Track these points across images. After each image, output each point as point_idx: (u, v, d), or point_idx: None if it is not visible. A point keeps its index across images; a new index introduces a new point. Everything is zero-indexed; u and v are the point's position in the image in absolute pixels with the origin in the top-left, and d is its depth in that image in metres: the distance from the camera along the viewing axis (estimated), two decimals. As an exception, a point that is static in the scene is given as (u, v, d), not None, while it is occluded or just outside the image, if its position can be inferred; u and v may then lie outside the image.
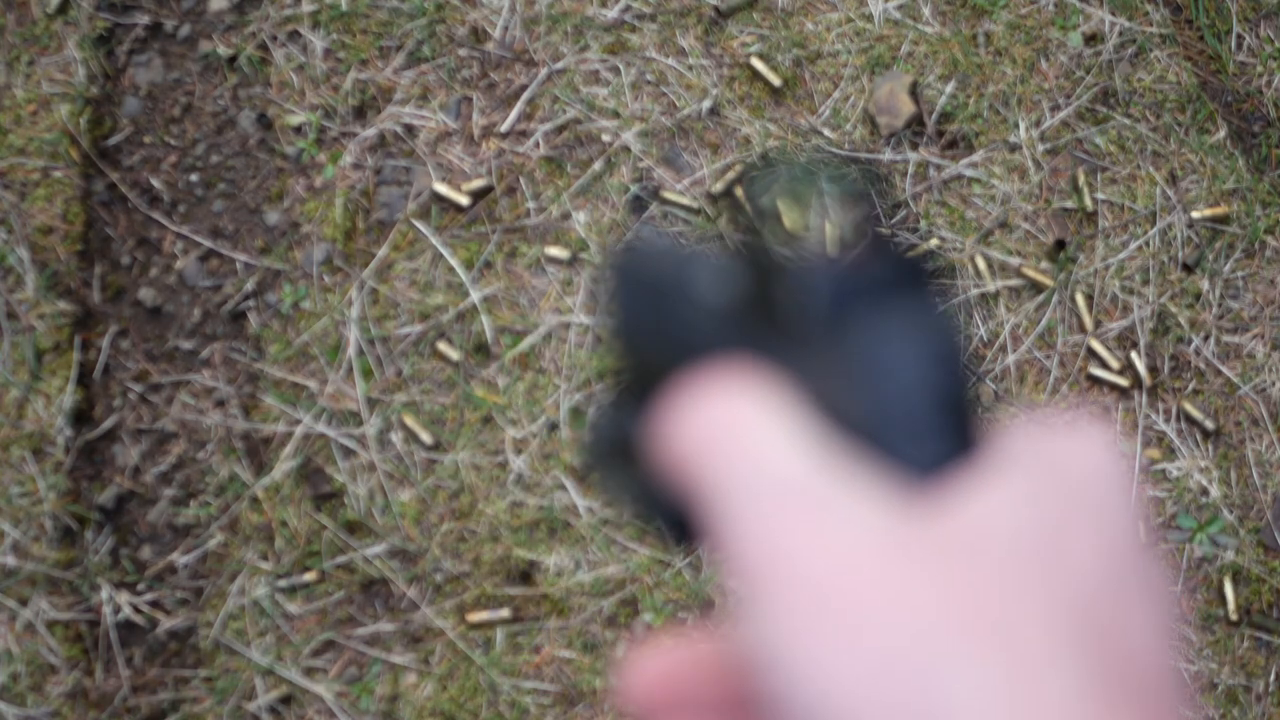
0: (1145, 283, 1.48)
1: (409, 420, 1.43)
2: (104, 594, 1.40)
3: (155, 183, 1.52)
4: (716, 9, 1.53)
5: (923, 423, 0.31)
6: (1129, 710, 0.28)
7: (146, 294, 1.49)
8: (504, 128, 1.51)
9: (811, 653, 0.28)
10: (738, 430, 0.31)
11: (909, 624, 0.28)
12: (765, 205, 0.35)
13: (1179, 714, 0.30)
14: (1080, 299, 1.47)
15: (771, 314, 0.32)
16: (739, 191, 0.34)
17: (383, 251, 1.48)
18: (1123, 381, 1.45)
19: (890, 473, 0.30)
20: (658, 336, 0.34)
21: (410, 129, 1.51)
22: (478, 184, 1.49)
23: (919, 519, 0.29)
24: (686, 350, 0.33)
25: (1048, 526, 0.30)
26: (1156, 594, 0.31)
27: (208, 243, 1.50)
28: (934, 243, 1.48)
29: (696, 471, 0.31)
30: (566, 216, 1.48)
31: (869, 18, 1.54)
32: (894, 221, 0.34)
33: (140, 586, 1.41)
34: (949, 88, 1.52)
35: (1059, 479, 0.31)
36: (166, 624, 1.40)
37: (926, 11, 1.54)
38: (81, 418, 1.45)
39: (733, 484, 0.30)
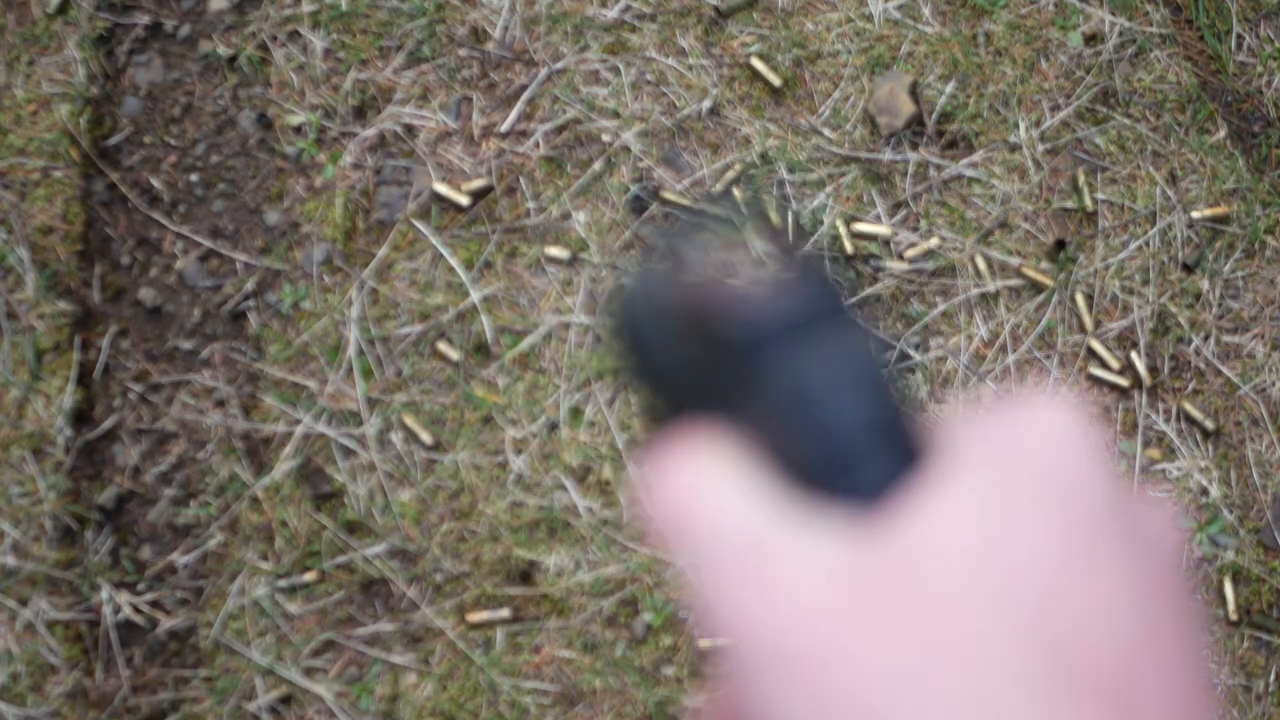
0: (1145, 283, 1.48)
1: (409, 420, 1.43)
2: (104, 594, 1.40)
3: (155, 183, 1.52)
4: (716, 9, 1.53)
5: (855, 450, 0.31)
6: (1102, 714, 0.27)
7: (146, 294, 1.49)
8: (504, 128, 1.51)
9: (784, 708, 0.28)
10: (696, 496, 0.31)
11: (870, 665, 0.27)
12: (710, 237, 0.35)
13: (1162, 699, 0.28)
14: (1080, 299, 1.47)
15: (719, 362, 0.33)
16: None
17: (383, 251, 1.48)
18: (1123, 381, 1.45)
19: (837, 504, 0.30)
20: (653, 372, 0.35)
21: (410, 129, 1.51)
22: (478, 184, 1.49)
23: (870, 547, 0.29)
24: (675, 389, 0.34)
25: (1001, 533, 0.29)
26: (1133, 562, 0.30)
27: (208, 243, 1.50)
28: (934, 242, 1.48)
29: (670, 538, 0.31)
30: (566, 216, 1.48)
31: (869, 18, 1.54)
32: (803, 248, 0.34)
33: (140, 586, 1.41)
34: (949, 88, 1.52)
35: (1011, 473, 0.30)
36: (166, 624, 1.40)
37: (926, 11, 1.54)
38: (81, 418, 1.45)
39: (695, 550, 0.30)
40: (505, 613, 1.39)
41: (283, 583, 1.41)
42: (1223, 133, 1.52)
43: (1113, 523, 0.30)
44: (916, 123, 1.50)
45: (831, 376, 0.31)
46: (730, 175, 1.49)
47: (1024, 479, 0.30)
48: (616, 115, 1.51)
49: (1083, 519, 0.30)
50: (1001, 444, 0.31)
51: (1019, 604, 0.28)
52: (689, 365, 0.34)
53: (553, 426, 1.43)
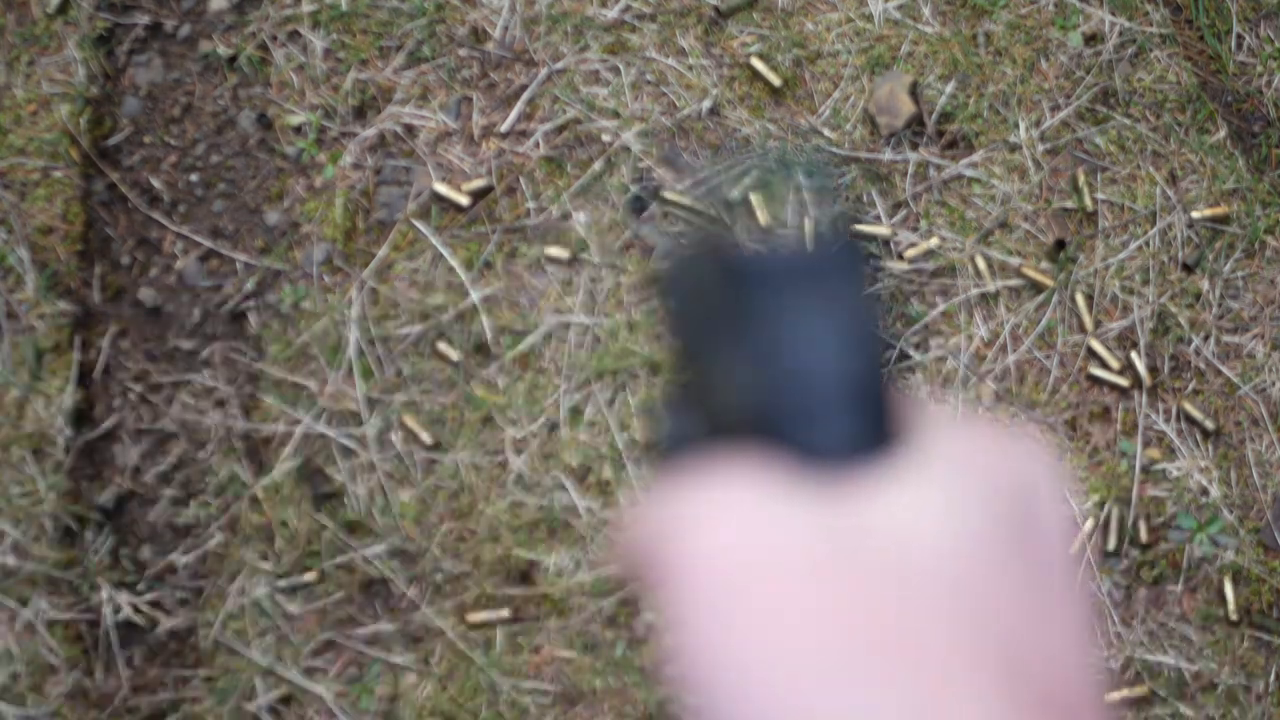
0: (1145, 283, 1.48)
1: (409, 420, 1.43)
2: (104, 594, 1.40)
3: (155, 183, 1.52)
4: (716, 9, 1.53)
5: (823, 400, 0.30)
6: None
7: (146, 294, 1.49)
8: (504, 128, 1.51)
9: (734, 690, 0.28)
10: (688, 531, 0.31)
11: (822, 652, 0.27)
12: (736, 198, 0.35)
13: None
14: (1080, 299, 1.47)
15: (732, 298, 0.33)
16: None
17: (383, 251, 1.48)
18: (1123, 381, 1.45)
19: (798, 458, 0.30)
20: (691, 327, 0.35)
21: (410, 129, 1.51)
22: (478, 184, 1.49)
23: (834, 526, 0.29)
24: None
25: (971, 541, 0.29)
26: (1078, 619, 0.30)
27: (208, 243, 1.50)
28: (934, 242, 1.48)
29: (649, 559, 0.31)
30: (566, 216, 1.48)
31: (869, 18, 1.54)
32: (846, 211, 0.34)
33: (140, 586, 1.41)
34: (949, 88, 1.52)
35: (988, 491, 0.30)
36: (166, 624, 1.40)
37: (926, 11, 1.54)
38: (81, 418, 1.45)
39: (670, 576, 0.30)
40: (505, 613, 1.39)
41: (283, 583, 1.41)
42: (1223, 133, 1.52)
43: (1066, 588, 0.30)
44: (916, 123, 1.50)
45: (820, 323, 0.31)
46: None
47: (1003, 508, 0.30)
48: (616, 115, 1.51)
49: (1049, 571, 0.30)
50: (987, 466, 0.31)
51: (982, 620, 0.28)
52: (710, 307, 0.33)
53: (553, 426, 1.43)
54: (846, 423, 0.30)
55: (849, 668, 0.27)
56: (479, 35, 1.54)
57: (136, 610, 1.40)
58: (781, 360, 0.31)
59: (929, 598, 0.28)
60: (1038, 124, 1.51)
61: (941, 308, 1.46)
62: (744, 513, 0.29)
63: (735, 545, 0.29)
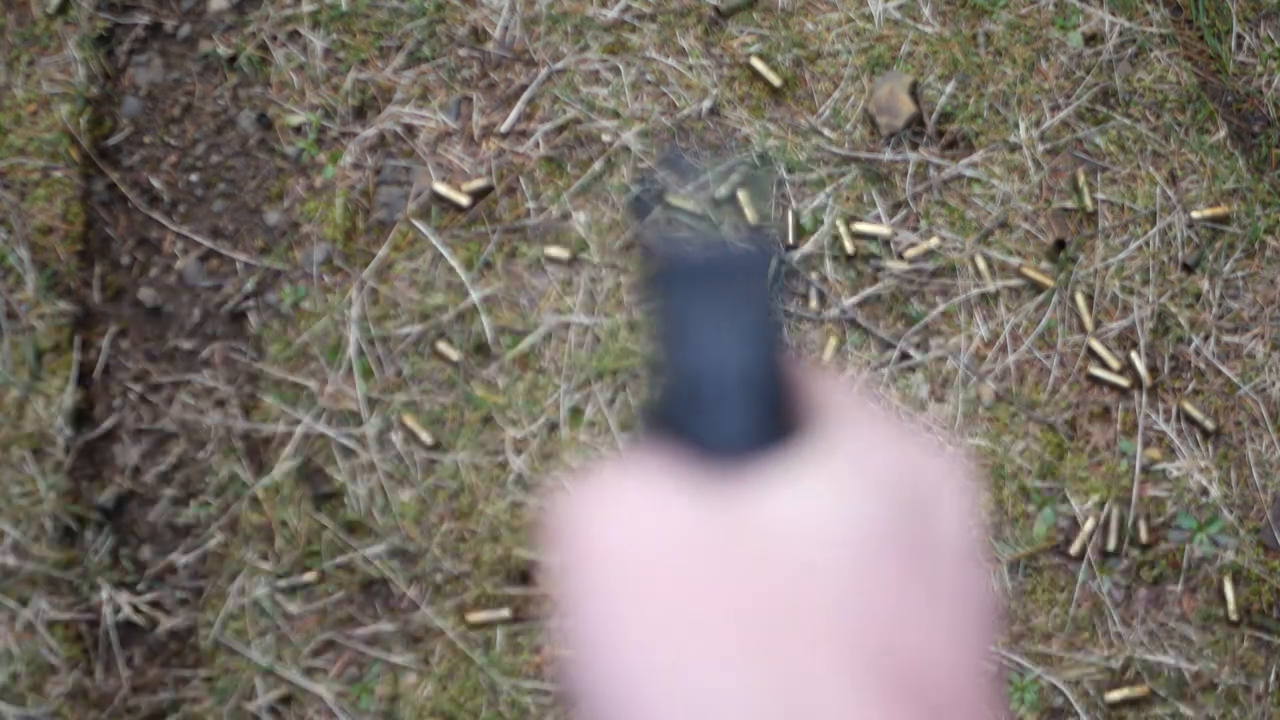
0: (1145, 283, 1.48)
1: (409, 420, 1.43)
2: (104, 594, 1.40)
3: (155, 183, 1.52)
4: (716, 9, 1.53)
5: (719, 395, 0.31)
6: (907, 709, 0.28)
7: (146, 294, 1.49)
8: (504, 128, 1.51)
9: (611, 671, 0.29)
10: (596, 518, 0.32)
11: (694, 635, 0.28)
12: (723, 196, 0.36)
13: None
14: (1080, 299, 1.47)
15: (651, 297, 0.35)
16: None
17: (383, 251, 1.48)
18: (1123, 381, 1.45)
19: (693, 449, 0.31)
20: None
21: (410, 129, 1.51)
22: (478, 184, 1.49)
23: (722, 514, 0.30)
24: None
25: (857, 535, 0.30)
26: (967, 619, 0.30)
27: (208, 243, 1.50)
28: (934, 242, 1.48)
29: (554, 549, 0.32)
30: (566, 216, 1.48)
31: (869, 18, 1.54)
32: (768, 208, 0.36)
33: (140, 586, 1.41)
34: (949, 88, 1.52)
35: (882, 487, 0.31)
36: (166, 624, 1.40)
37: (926, 11, 1.54)
38: (81, 418, 1.45)
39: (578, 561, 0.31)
40: (505, 613, 1.39)
41: (283, 583, 1.41)
42: (1223, 133, 1.52)
43: (959, 585, 0.31)
44: (916, 123, 1.50)
45: (718, 322, 0.32)
46: (732, 176, 1.49)
47: (899, 502, 0.31)
48: (616, 115, 1.51)
49: (940, 568, 0.31)
50: (880, 459, 0.32)
51: (862, 610, 0.29)
52: (649, 307, 0.35)
53: (553, 426, 1.43)
54: (739, 418, 0.31)
55: (719, 650, 0.28)
56: (479, 35, 1.54)
57: (136, 610, 1.40)
58: (683, 357, 0.32)
59: (806, 587, 0.29)
60: (1038, 124, 1.51)
61: (941, 308, 1.46)
62: (635, 507, 0.31)
63: (624, 538, 0.30)
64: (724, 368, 0.32)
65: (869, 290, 1.47)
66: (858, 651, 0.28)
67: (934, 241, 1.47)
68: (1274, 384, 1.47)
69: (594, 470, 0.32)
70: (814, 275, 1.47)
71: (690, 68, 1.52)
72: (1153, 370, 1.46)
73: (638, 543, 0.30)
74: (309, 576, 1.40)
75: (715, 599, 0.29)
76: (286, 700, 1.39)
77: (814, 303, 1.46)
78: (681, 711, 0.28)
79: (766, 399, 0.32)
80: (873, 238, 1.47)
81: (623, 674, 0.29)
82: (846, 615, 0.28)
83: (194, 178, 1.52)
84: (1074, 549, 1.42)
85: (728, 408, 0.31)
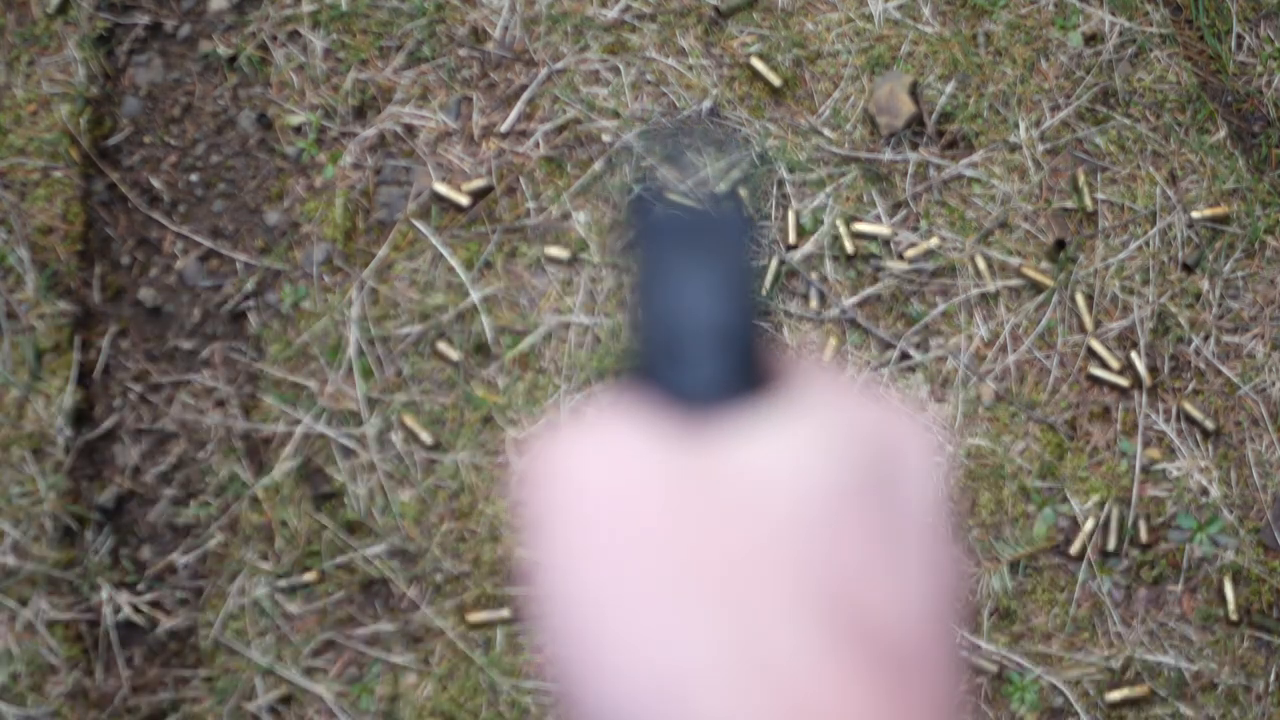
0: (1145, 283, 1.48)
1: (409, 420, 1.43)
2: (104, 594, 1.40)
3: (155, 183, 1.52)
4: (716, 9, 1.53)
5: (691, 346, 0.32)
6: (870, 673, 0.28)
7: (146, 294, 1.49)
8: (504, 128, 1.51)
9: (571, 607, 0.30)
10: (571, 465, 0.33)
11: (651, 576, 0.29)
12: (723, 190, 0.38)
13: (934, 688, 0.30)
14: (1080, 299, 1.47)
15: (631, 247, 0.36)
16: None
17: (383, 251, 1.48)
18: (1123, 381, 1.45)
19: (667, 397, 0.32)
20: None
21: (410, 129, 1.51)
22: (478, 184, 1.49)
23: (690, 458, 0.31)
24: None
25: (823, 485, 0.30)
26: (931, 577, 0.31)
27: (208, 243, 1.50)
28: (934, 242, 1.48)
29: (529, 495, 0.33)
30: (566, 216, 1.48)
31: (869, 18, 1.54)
32: (750, 179, 0.37)
33: (140, 586, 1.41)
34: (949, 88, 1.52)
35: (851, 444, 0.32)
36: (166, 624, 1.40)
37: (926, 11, 1.54)
38: (81, 418, 1.45)
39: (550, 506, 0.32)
40: (505, 613, 1.39)
41: (283, 583, 1.41)
42: (1223, 133, 1.52)
43: (923, 547, 0.32)
44: (916, 123, 1.50)
45: (697, 277, 0.33)
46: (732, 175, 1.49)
47: (867, 462, 0.32)
48: (616, 115, 1.51)
49: (904, 529, 0.31)
50: (850, 418, 0.32)
51: (822, 561, 0.30)
52: (628, 260, 0.36)
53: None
54: (710, 367, 0.32)
55: (674, 590, 0.29)
56: (479, 35, 1.54)
57: (136, 610, 1.40)
58: (659, 306, 0.33)
59: (768, 534, 0.29)
60: (1038, 124, 1.51)
61: (941, 308, 1.46)
62: (607, 448, 0.32)
63: (596, 476, 0.31)
64: (697, 318, 0.33)
65: (869, 290, 1.47)
66: (818, 598, 0.29)
67: (934, 241, 1.47)
68: (1274, 384, 1.47)
69: (570, 418, 0.34)
70: (814, 275, 1.47)
71: (690, 68, 1.52)
72: (1153, 370, 1.46)
73: (608, 482, 0.31)
74: (309, 576, 1.40)
75: (679, 540, 0.29)
76: (286, 700, 1.39)
77: (814, 303, 1.46)
78: (642, 643, 0.28)
79: (738, 351, 0.33)
80: (873, 238, 1.47)
81: (589, 604, 0.30)
82: (808, 564, 0.29)
83: (194, 178, 1.52)
84: (1074, 549, 1.42)
85: (699, 357, 0.32)
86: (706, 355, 0.32)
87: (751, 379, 0.32)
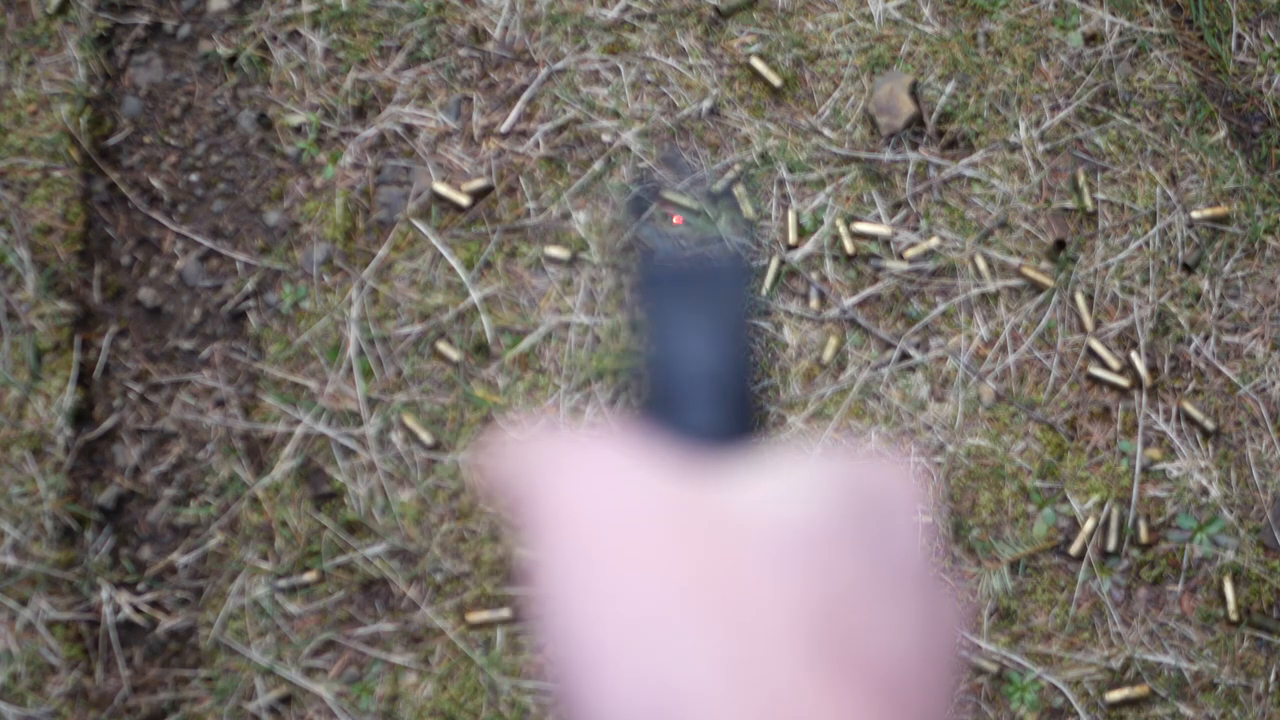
0: (1145, 283, 1.48)
1: (409, 420, 1.43)
2: (104, 594, 1.40)
3: (155, 183, 1.52)
4: (716, 9, 1.53)
5: (690, 392, 0.34)
6: (865, 699, 0.29)
7: (146, 294, 1.49)
8: (504, 128, 1.51)
9: (571, 621, 0.31)
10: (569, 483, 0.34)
11: (652, 600, 0.30)
12: (720, 193, 0.39)
13: (928, 716, 0.31)
14: (1080, 299, 1.47)
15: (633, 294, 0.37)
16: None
17: (383, 251, 1.48)
18: (1123, 381, 1.45)
19: (675, 441, 0.34)
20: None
21: (410, 129, 1.51)
22: (478, 184, 1.49)
23: (690, 491, 0.32)
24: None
25: (822, 526, 0.32)
26: (929, 619, 0.32)
27: (208, 243, 1.50)
28: (934, 242, 1.48)
29: (523, 498, 0.34)
30: (566, 216, 1.48)
31: (869, 18, 1.54)
32: (746, 224, 0.39)
33: (140, 586, 1.41)
34: (949, 88, 1.52)
35: (848, 491, 0.33)
36: (166, 624, 1.40)
37: (926, 11, 1.54)
38: (81, 418, 1.45)
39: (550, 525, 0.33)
40: (505, 613, 1.39)
41: (283, 583, 1.41)
42: (1223, 133, 1.52)
43: (915, 588, 0.33)
44: (916, 123, 1.50)
45: (697, 326, 0.35)
46: (730, 175, 1.49)
47: (860, 508, 0.33)
48: (616, 115, 1.51)
49: (896, 570, 0.33)
50: (846, 468, 0.34)
51: (821, 592, 0.31)
52: (632, 303, 0.38)
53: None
54: (705, 412, 0.34)
55: (674, 615, 0.30)
56: (479, 35, 1.54)
57: (136, 610, 1.40)
58: (660, 349, 0.35)
59: (766, 565, 0.31)
60: (1038, 124, 1.51)
61: (941, 308, 1.46)
62: (614, 474, 0.33)
63: (601, 501, 0.32)
64: (698, 366, 0.34)
65: (869, 290, 1.47)
66: (815, 627, 0.30)
67: (934, 241, 1.47)
68: (1274, 384, 1.47)
69: (568, 431, 0.35)
70: (814, 275, 1.47)
71: (690, 68, 1.52)
72: (1153, 370, 1.46)
73: (611, 504, 0.32)
74: (309, 576, 1.40)
75: (680, 567, 0.30)
76: (286, 700, 1.39)
77: (814, 303, 1.46)
78: (637, 662, 0.29)
79: (733, 398, 0.35)
80: (873, 238, 1.47)
81: (589, 624, 0.31)
82: (805, 595, 0.30)
83: (194, 178, 1.52)
84: (1074, 549, 1.42)
85: (698, 403, 0.34)
86: (705, 402, 0.34)
87: (744, 425, 0.34)
